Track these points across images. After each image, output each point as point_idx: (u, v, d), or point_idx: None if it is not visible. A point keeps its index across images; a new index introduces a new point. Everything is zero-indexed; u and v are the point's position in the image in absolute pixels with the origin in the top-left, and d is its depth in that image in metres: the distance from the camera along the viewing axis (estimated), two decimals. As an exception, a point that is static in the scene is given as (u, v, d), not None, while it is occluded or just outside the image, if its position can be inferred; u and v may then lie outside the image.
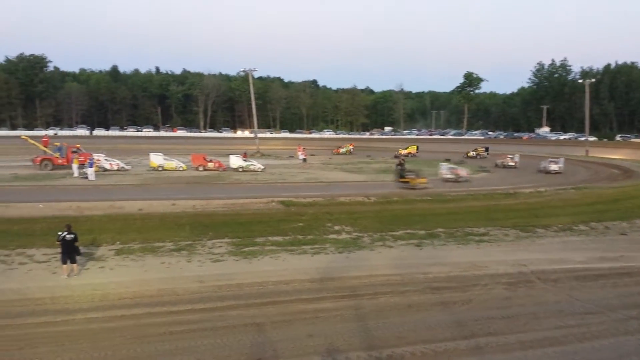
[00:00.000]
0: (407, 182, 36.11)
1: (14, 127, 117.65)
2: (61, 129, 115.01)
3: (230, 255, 18.19)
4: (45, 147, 46.01)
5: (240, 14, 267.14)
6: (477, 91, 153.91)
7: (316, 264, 17.52)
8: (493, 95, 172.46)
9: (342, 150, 79.76)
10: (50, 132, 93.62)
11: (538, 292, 15.48)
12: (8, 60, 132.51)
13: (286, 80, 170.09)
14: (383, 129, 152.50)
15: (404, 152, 74.70)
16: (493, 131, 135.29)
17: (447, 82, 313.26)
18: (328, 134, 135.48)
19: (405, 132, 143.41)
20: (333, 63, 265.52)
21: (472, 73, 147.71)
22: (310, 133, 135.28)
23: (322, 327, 12.38)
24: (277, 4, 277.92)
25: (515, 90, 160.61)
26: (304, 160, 55.95)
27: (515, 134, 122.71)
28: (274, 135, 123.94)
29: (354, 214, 26.00)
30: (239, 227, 22.44)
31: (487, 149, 75.03)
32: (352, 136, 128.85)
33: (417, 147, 78.85)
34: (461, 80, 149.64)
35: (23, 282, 14.93)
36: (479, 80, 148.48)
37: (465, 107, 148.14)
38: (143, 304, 13.62)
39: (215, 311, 13.34)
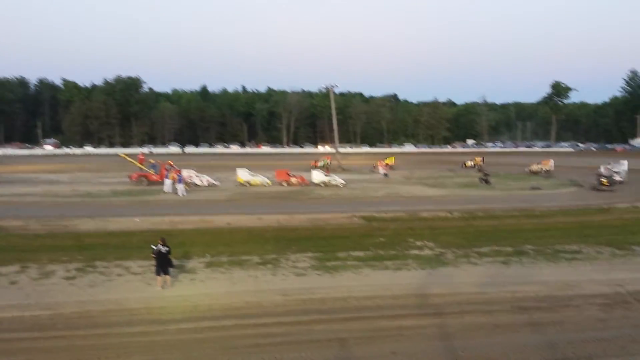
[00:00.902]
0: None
1: (112, 145, 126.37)
2: (155, 147, 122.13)
3: (313, 270, 18.47)
4: (141, 164, 48.93)
5: (321, 31, 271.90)
6: (565, 101, 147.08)
7: (398, 280, 17.43)
8: (583, 105, 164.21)
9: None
10: (145, 150, 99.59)
11: (635, 313, 14.53)
12: (107, 83, 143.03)
13: (367, 95, 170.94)
14: (465, 142, 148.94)
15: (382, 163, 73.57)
16: (583, 143, 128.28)
17: (533, 92, 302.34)
18: (409, 147, 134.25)
19: (489, 144, 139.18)
20: (413, 76, 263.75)
21: (560, 82, 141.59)
22: (390, 147, 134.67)
23: (406, 345, 12.30)
24: (357, 21, 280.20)
25: (607, 100, 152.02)
26: (385, 175, 55.74)
27: (608, 146, 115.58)
28: (355, 149, 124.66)
29: (436, 229, 25.61)
30: (321, 241, 22.74)
31: (483, 159, 73.68)
32: (433, 150, 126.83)
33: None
34: (548, 90, 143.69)
35: (121, 293, 15.89)
36: (568, 89, 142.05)
37: (553, 118, 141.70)
38: (231, 316, 14.12)
39: (300, 325, 13.60)
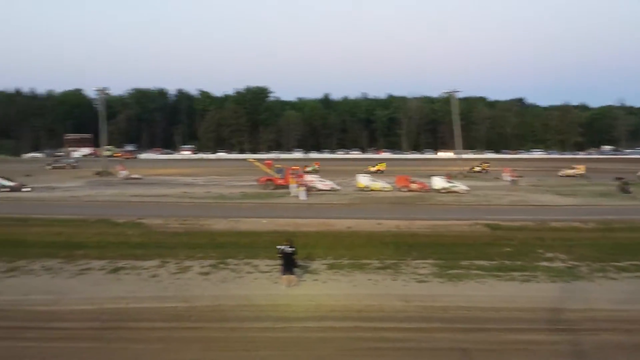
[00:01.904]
0: None
1: (242, 151, 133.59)
2: (281, 153, 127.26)
3: (435, 277, 18.18)
4: (268, 168, 51.28)
5: (442, 36, 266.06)
6: None
7: (526, 292, 16.61)
8: None
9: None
10: (272, 155, 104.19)
11: None
12: (237, 92, 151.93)
13: (491, 99, 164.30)
14: (600, 148, 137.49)
15: (372, 169, 71.75)
16: None
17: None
18: (537, 154, 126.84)
19: (627, 151, 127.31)
20: (542, 79, 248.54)
21: None
22: (517, 153, 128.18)
23: None
24: (480, 24, 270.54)
25: None
26: (513, 182, 53.27)
27: None
28: (478, 156, 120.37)
29: (568, 240, 24.00)
30: (442, 249, 22.31)
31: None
32: (564, 156, 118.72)
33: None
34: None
35: (249, 290, 16.79)
36: None
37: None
38: (352, 318, 14.35)
39: (420, 332, 13.48)
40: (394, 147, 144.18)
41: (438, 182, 46.83)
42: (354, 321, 14.13)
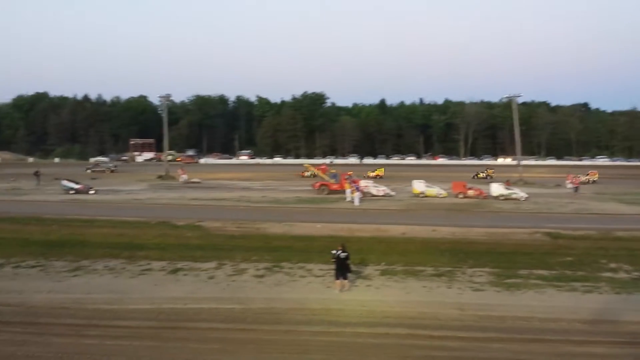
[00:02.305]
0: None
1: (297, 156, 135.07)
2: (336, 158, 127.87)
3: (491, 286, 17.79)
4: (323, 174, 51.59)
5: (501, 40, 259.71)
6: None
7: (587, 303, 15.99)
8: None
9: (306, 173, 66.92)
10: (327, 161, 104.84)
11: None
12: (294, 99, 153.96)
13: (553, 104, 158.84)
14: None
15: (372, 174, 70.22)
16: None
17: None
18: (602, 160, 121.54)
19: None
20: (607, 83, 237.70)
21: None
22: (580, 160, 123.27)
23: (595, 373, 11.28)
24: (540, 26, 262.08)
25: None
26: (576, 189, 51.25)
27: None
28: (539, 162, 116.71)
29: (635, 250, 22.92)
30: (500, 257, 21.81)
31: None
32: (632, 163, 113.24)
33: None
34: None
35: (303, 293, 16.97)
36: None
37: None
38: (405, 325, 14.22)
39: (476, 341, 13.22)
40: (450, 153, 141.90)
41: (496, 189, 45.70)
42: (408, 328, 14.01)
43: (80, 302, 16.01)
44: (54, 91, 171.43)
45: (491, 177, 69.60)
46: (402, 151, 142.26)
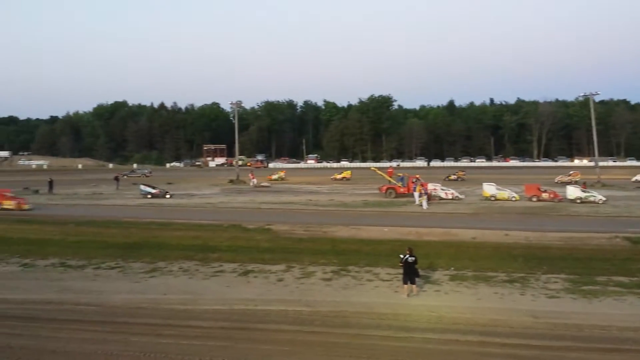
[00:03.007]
0: None
1: (364, 160, 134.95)
2: (402, 161, 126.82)
3: (567, 293, 17.09)
4: (390, 177, 51.29)
5: (575, 35, 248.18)
6: None
7: (673, 313, 15.04)
8: None
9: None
10: (394, 164, 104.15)
11: None
12: (361, 102, 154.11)
13: (633, 102, 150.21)
14: None
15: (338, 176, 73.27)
16: None
17: None
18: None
19: None
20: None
21: None
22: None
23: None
24: (615, 20, 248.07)
25: None
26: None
27: None
28: (618, 163, 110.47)
29: None
30: (576, 263, 20.92)
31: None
32: None
33: None
34: None
35: (370, 297, 16.95)
36: None
37: None
38: (476, 332, 13.90)
39: (551, 350, 12.74)
40: (523, 154, 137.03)
41: (573, 192, 43.83)
42: (479, 335, 13.68)
43: (157, 302, 16.72)
44: (133, 100, 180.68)
45: (462, 179, 70.51)
46: (472, 153, 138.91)
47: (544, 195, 44.06)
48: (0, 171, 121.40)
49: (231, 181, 69.09)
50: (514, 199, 44.18)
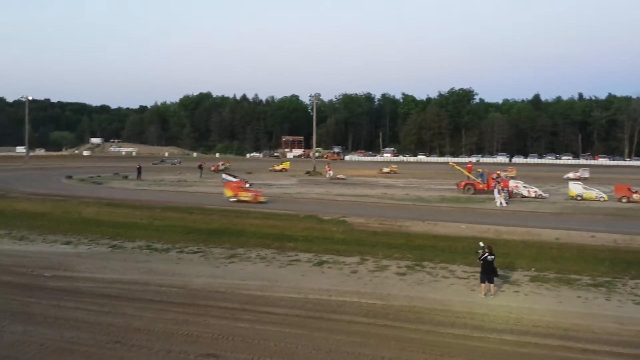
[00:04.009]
0: None
1: (442, 154, 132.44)
2: (482, 156, 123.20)
3: (658, 300, 16.08)
4: (469, 172, 50.07)
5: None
6: None
7: None
8: None
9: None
10: (473, 159, 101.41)
11: None
12: (440, 95, 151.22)
13: None
14: None
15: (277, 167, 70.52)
16: None
17: None
18: None
19: None
20: None
21: None
22: None
23: None
24: None
25: None
26: None
27: None
28: None
29: None
30: (671, 269, 19.59)
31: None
32: None
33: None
34: None
35: (445, 295, 16.68)
36: None
37: None
38: (556, 336, 13.37)
39: (637, 359, 12.09)
40: (613, 152, 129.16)
41: (668, 193, 40.95)
42: (559, 340, 13.15)
43: (236, 287, 17.29)
44: (216, 91, 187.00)
45: (395, 172, 70.43)
46: (557, 150, 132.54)
47: (635, 197, 41.43)
48: (93, 157, 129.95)
49: (308, 172, 69.98)
50: (602, 199, 41.92)
